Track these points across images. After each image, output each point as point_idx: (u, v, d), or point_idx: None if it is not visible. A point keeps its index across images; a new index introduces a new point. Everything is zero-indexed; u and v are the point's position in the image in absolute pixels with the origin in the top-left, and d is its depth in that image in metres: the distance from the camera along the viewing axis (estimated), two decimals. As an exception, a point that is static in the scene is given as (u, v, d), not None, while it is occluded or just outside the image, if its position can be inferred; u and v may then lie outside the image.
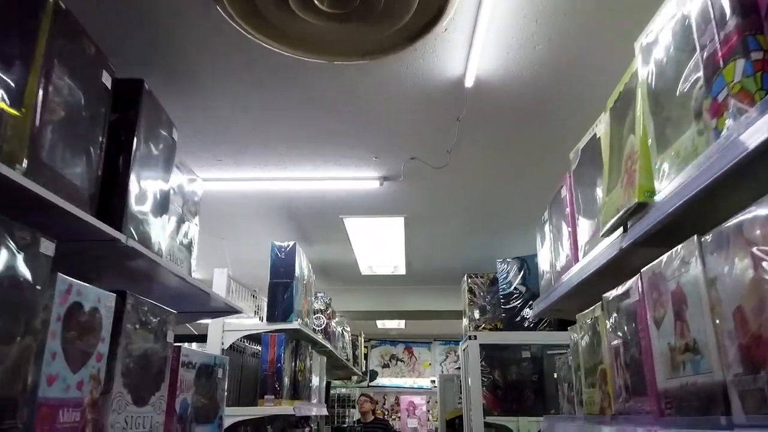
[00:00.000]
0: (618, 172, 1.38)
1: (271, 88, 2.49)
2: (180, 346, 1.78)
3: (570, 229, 1.78)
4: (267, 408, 2.99)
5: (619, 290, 1.38)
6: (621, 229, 1.34)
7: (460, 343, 3.91)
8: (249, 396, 3.28)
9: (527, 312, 3.40)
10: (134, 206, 1.46)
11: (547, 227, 2.13)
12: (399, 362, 11.09)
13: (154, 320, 1.57)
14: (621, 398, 1.35)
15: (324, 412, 4.14)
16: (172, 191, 1.78)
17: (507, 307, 3.49)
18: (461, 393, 6.90)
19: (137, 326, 1.47)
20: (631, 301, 1.30)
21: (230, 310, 2.32)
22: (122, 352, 1.39)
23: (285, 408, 3.01)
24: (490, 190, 3.73)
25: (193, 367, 1.87)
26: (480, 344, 3.24)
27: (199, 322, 3.65)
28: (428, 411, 10.82)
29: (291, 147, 3.02)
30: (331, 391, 9.05)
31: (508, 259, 3.54)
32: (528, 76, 2.44)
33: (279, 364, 3.10)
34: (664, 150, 1.16)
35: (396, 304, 6.58)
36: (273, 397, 3.03)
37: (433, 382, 10.23)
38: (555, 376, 3.36)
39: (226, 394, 2.29)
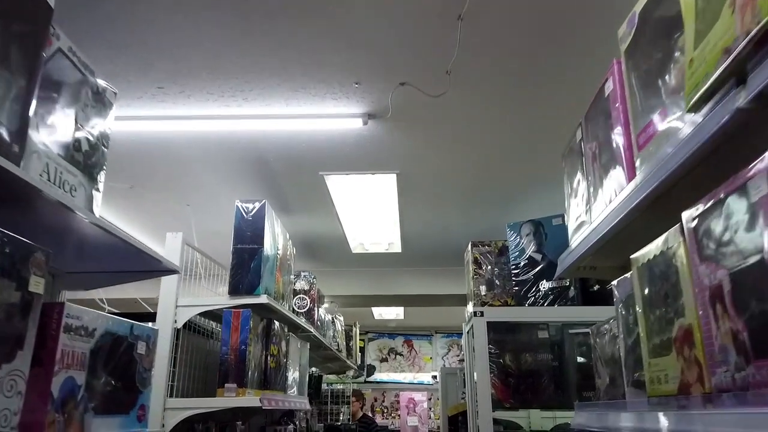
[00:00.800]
0: (717, 5, 0.87)
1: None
2: (62, 304, 1.28)
3: (622, 133, 1.27)
4: (227, 399, 2.49)
5: (722, 192, 0.87)
6: (732, 84, 0.82)
7: (464, 324, 3.41)
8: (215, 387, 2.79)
9: (544, 285, 2.89)
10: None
11: (579, 152, 1.62)
12: (398, 356, 10.60)
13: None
14: (727, 366, 0.85)
15: (305, 406, 3.65)
16: (48, 82, 1.28)
17: (519, 279, 2.98)
18: (465, 386, 6.42)
19: (-39, 259, 0.97)
20: (747, 205, 0.80)
21: (161, 270, 1.82)
22: None
23: (250, 399, 2.51)
24: (502, 127, 3.11)
25: (90, 335, 1.37)
26: (488, 322, 2.73)
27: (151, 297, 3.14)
28: (430, 408, 10.34)
29: (248, 68, 2.44)
30: (326, 386, 8.58)
31: (520, 223, 3.03)
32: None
33: (243, 347, 2.60)
34: None
35: (392, 288, 6.06)
36: (235, 386, 2.53)
37: (435, 377, 9.75)
38: (579, 359, 2.86)
39: (154, 376, 1.79)
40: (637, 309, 1.21)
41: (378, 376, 10.48)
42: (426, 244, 5.11)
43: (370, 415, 9.05)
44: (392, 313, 8.98)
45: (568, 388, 2.76)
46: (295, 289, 4.08)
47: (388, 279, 6.06)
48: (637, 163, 1.20)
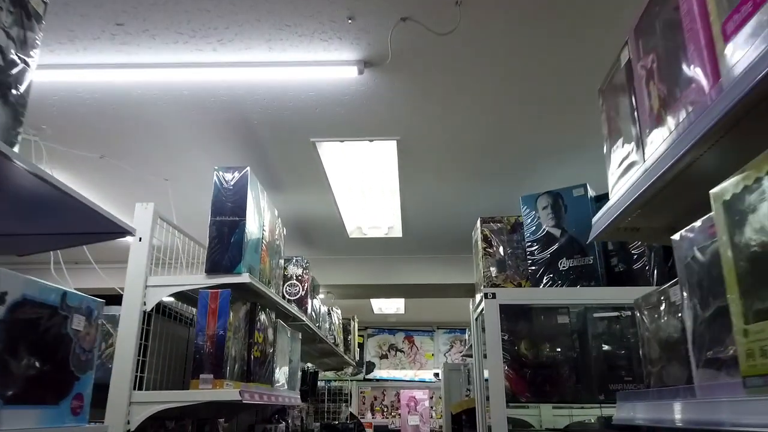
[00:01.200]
0: None
1: None
2: (-50, 254, 0.97)
3: (697, 26, 0.96)
4: (201, 392, 2.19)
5: None
6: None
7: (471, 312, 3.12)
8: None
9: (563, 263, 2.59)
10: None
11: (624, 79, 1.32)
12: (398, 353, 10.30)
13: None
14: None
15: (296, 402, 3.35)
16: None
17: (534, 258, 2.68)
18: (469, 383, 6.11)
19: None
20: None
21: (110, 231, 1.52)
22: None
23: (228, 392, 2.21)
24: (523, 74, 2.73)
25: (-3, 301, 1.07)
26: (500, 305, 2.43)
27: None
28: (431, 407, 10.05)
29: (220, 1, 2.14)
30: (323, 384, 8.30)
31: (536, 195, 2.73)
32: None
33: (221, 332, 2.30)
34: None
35: (392, 277, 5.76)
36: (211, 377, 2.23)
37: (437, 375, 9.46)
38: (604, 347, 2.56)
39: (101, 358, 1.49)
40: (724, 259, 0.91)
41: (377, 373, 10.18)
42: (429, 228, 4.78)
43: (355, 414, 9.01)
44: (392, 307, 8.69)
45: (591, 380, 2.45)
46: (285, 275, 3.78)
47: (387, 267, 5.75)
48: (723, 62, 0.90)
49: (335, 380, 9.12)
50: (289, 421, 4.61)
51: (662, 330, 1.27)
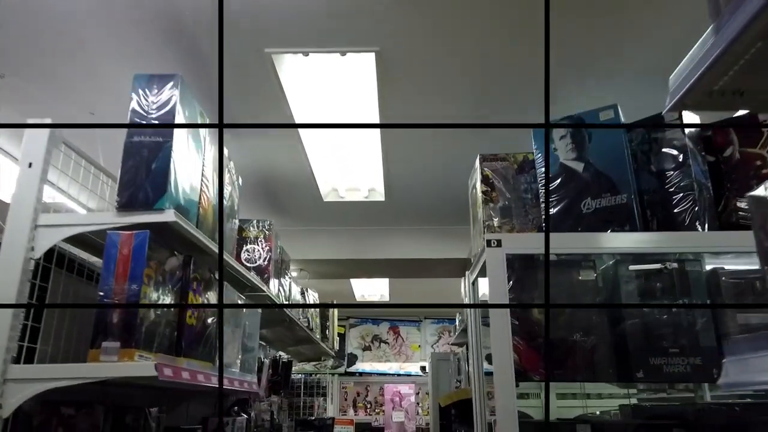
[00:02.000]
0: None
1: None
2: None
3: None
4: (101, 366, 1.63)
5: None
6: None
7: (467, 276, 2.59)
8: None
9: (588, 204, 2.06)
10: None
11: None
12: (383, 344, 9.77)
13: None
14: None
15: (252, 387, 2.80)
16: None
17: (549, 199, 2.15)
18: (459, 374, 5.61)
19: None
20: None
21: None
22: None
23: (139, 366, 1.65)
24: None
25: None
26: (508, 256, 1.89)
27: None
28: (418, 403, 9.56)
29: None
30: (301, 376, 7.77)
31: (552, 121, 2.20)
32: None
33: (135, 287, 1.74)
34: None
35: (374, 251, 5.20)
36: (118, 345, 1.67)
37: (424, 368, 8.96)
38: (642, 310, 2.05)
39: None
40: None
41: (360, 366, 9.66)
42: (417, 186, 4.16)
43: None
44: (376, 294, 8.16)
45: (624, 352, 1.93)
46: (243, 237, 3.24)
47: (369, 240, 5.19)
48: None
49: (315, 373, 8.59)
50: (253, 414, 4.07)
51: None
